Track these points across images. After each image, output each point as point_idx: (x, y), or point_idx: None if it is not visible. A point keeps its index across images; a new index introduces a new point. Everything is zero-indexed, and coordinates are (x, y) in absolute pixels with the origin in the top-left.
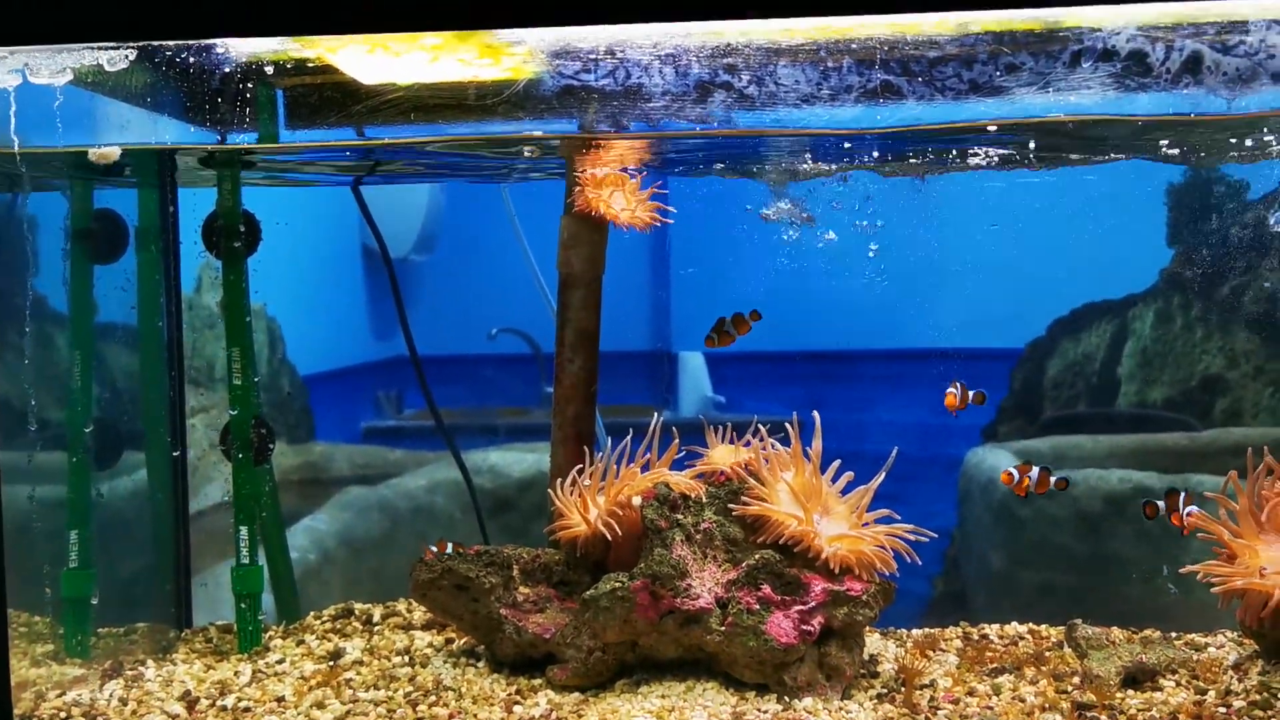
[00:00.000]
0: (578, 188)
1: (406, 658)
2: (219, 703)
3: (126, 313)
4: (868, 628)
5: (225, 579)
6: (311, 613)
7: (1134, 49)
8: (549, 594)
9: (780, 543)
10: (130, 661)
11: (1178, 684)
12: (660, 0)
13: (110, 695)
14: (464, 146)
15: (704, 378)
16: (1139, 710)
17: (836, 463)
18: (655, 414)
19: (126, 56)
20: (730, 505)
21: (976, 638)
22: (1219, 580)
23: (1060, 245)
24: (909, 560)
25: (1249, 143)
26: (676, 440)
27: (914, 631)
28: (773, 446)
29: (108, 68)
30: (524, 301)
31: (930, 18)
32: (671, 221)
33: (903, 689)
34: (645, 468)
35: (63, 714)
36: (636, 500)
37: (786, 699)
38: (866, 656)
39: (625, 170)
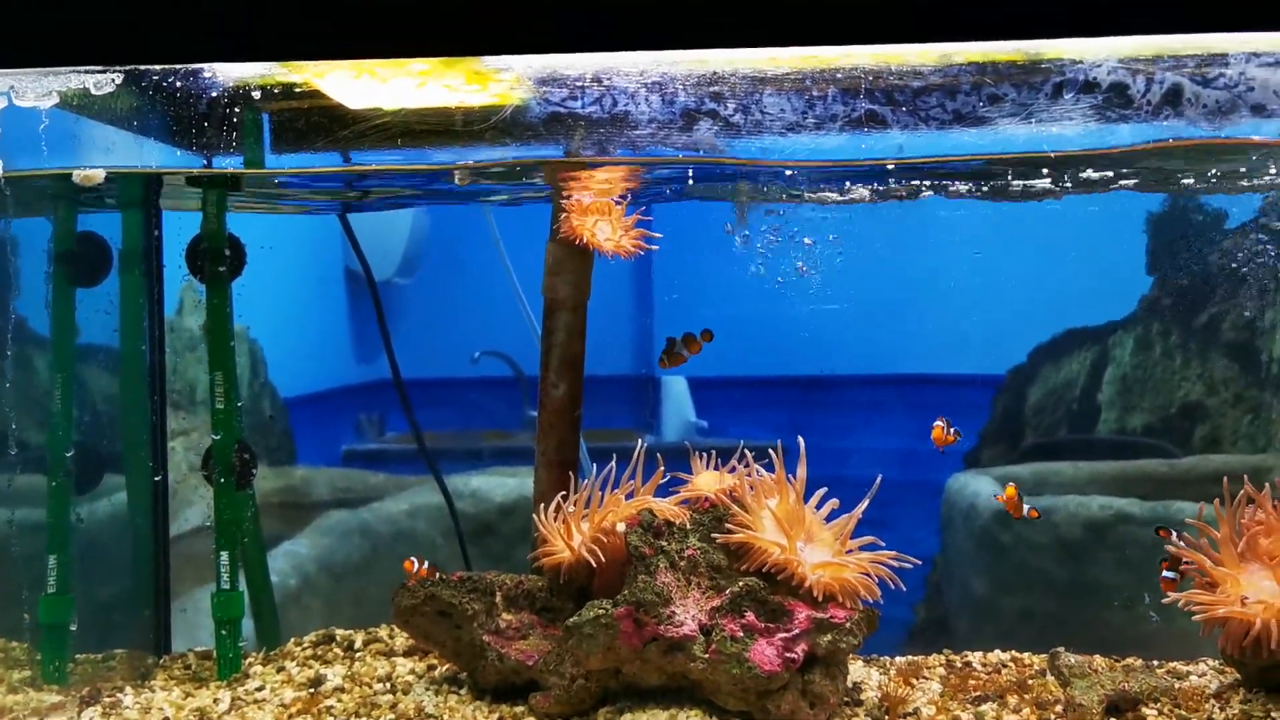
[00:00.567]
0: (564, 214)
1: (388, 684)
2: None
3: (109, 336)
4: (851, 655)
5: (204, 604)
6: (292, 639)
7: (1115, 81)
8: (532, 620)
9: (764, 570)
10: (108, 688)
11: (1160, 713)
12: (647, 29)
13: None
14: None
15: (687, 402)
16: None
17: (822, 490)
18: (640, 440)
19: (113, 80)
20: (714, 532)
21: (960, 665)
22: (1201, 609)
23: (1041, 272)
24: (893, 587)
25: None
26: (661, 467)
27: (897, 659)
28: (758, 473)
29: (94, 91)
30: (507, 324)
31: (914, 48)
32: (656, 249)
33: (886, 717)
34: (630, 494)
35: None
36: (621, 527)
37: None
38: (850, 684)
39: (614, 200)
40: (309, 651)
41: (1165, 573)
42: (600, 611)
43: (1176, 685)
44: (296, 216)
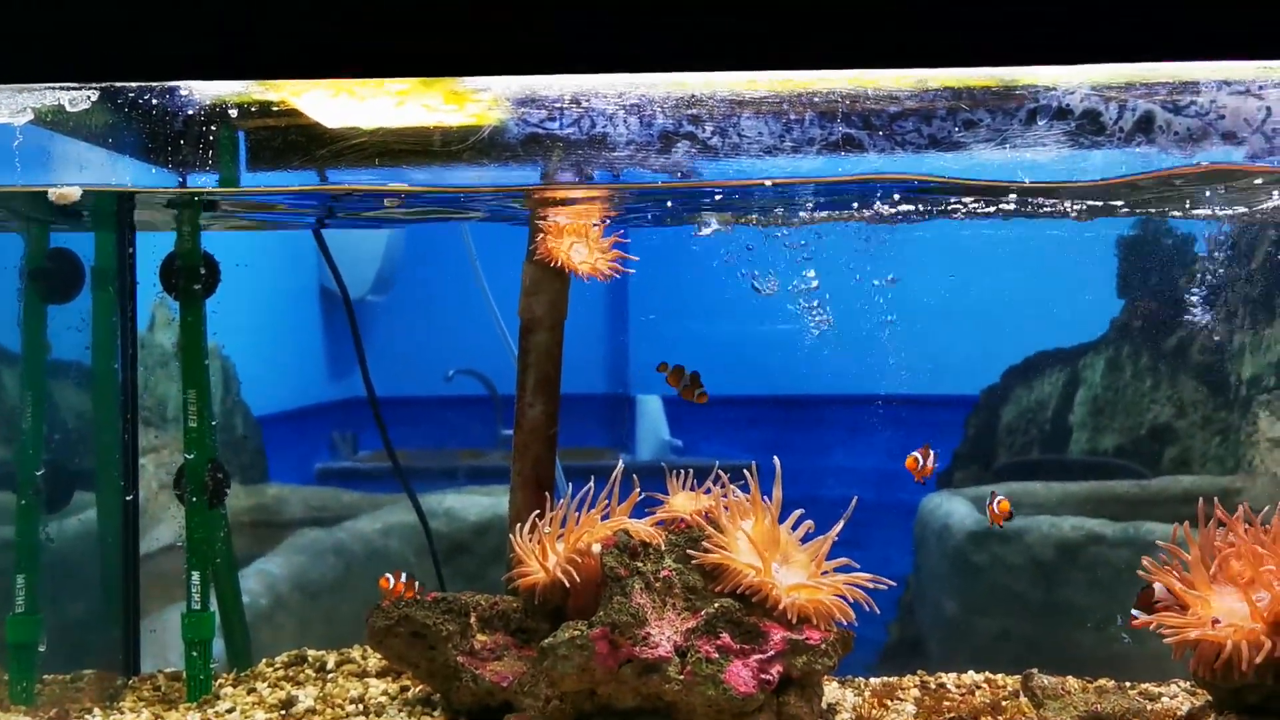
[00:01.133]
0: (540, 235)
1: (361, 706)
2: None
3: (80, 353)
4: (826, 676)
5: (174, 624)
6: (264, 659)
7: (1088, 108)
8: (507, 642)
9: (739, 592)
10: (76, 710)
11: None
12: (626, 52)
13: None
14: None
15: (661, 421)
16: None
17: (798, 511)
18: (618, 460)
19: (89, 97)
20: (690, 553)
21: (934, 686)
22: (1172, 631)
23: (1014, 294)
24: (867, 609)
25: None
26: (637, 488)
27: (872, 680)
28: (734, 493)
29: (69, 108)
30: (481, 342)
31: (890, 73)
32: (633, 271)
33: None
34: (606, 514)
35: None
36: (596, 548)
37: None
38: (825, 705)
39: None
40: (281, 672)
41: (1135, 611)
42: (575, 633)
43: (1149, 707)
44: (271, 233)
